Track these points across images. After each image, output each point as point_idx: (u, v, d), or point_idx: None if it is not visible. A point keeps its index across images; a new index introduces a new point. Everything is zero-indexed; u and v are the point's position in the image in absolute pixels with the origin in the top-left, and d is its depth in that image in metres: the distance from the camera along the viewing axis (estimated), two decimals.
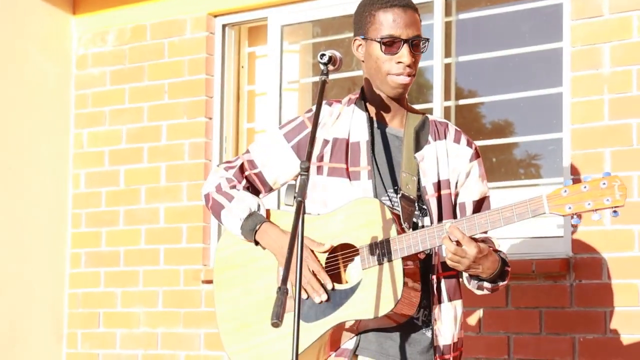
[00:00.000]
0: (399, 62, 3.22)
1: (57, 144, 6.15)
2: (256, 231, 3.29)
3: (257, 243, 3.31)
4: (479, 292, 3.31)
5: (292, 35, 5.89)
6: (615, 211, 2.95)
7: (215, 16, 5.83)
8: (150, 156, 5.90)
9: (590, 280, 4.49)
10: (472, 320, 4.73)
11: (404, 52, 3.22)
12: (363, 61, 3.33)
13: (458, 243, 3.06)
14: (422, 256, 3.20)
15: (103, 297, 5.99)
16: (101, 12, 6.16)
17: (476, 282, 3.25)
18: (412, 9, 3.27)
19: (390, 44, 3.23)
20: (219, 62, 5.79)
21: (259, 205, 3.34)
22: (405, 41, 3.21)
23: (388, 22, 3.22)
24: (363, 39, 3.29)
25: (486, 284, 3.22)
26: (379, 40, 3.23)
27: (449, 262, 3.11)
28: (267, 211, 3.37)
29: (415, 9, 3.29)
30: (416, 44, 3.25)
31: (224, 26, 5.82)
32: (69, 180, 6.18)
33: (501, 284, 3.24)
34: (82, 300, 6.07)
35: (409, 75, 3.24)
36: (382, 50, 3.23)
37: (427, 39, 3.27)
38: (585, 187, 2.96)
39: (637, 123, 4.44)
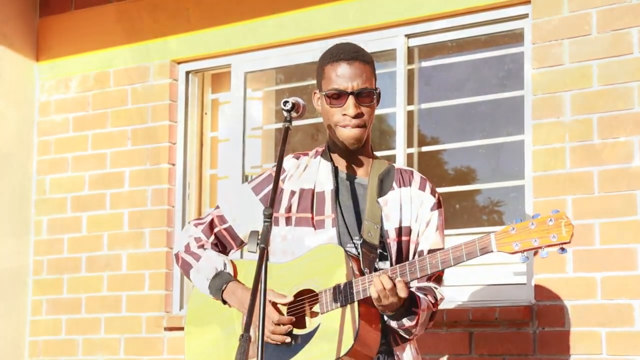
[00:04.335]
0: (345, 115, 3.28)
1: (19, 190, 6.10)
2: (223, 291, 3.36)
3: (224, 302, 3.37)
4: (404, 335, 3.28)
5: (256, 82, 5.91)
6: (562, 248, 2.97)
7: (179, 63, 5.83)
8: (113, 202, 5.86)
9: (553, 327, 4.50)
10: None
11: (349, 104, 3.28)
12: (322, 113, 3.40)
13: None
14: None
15: (64, 345, 5.92)
16: (64, 58, 6.15)
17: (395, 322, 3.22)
18: (360, 60, 3.32)
19: (336, 96, 3.30)
20: (182, 109, 5.79)
21: (225, 264, 3.41)
22: (351, 93, 3.27)
23: (335, 75, 3.30)
24: (316, 92, 3.38)
25: (394, 323, 3.19)
26: (326, 93, 3.31)
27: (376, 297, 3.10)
28: (234, 267, 3.40)
29: (365, 60, 3.33)
30: (364, 95, 3.30)
31: (187, 73, 5.83)
32: (30, 227, 6.13)
33: (407, 324, 3.19)
34: (43, 349, 6.00)
35: (356, 127, 3.30)
36: (328, 103, 3.30)
37: (374, 90, 3.32)
38: (532, 224, 3.01)
39: (598, 171, 4.47)
